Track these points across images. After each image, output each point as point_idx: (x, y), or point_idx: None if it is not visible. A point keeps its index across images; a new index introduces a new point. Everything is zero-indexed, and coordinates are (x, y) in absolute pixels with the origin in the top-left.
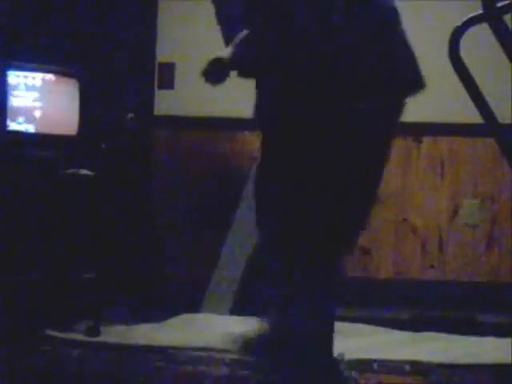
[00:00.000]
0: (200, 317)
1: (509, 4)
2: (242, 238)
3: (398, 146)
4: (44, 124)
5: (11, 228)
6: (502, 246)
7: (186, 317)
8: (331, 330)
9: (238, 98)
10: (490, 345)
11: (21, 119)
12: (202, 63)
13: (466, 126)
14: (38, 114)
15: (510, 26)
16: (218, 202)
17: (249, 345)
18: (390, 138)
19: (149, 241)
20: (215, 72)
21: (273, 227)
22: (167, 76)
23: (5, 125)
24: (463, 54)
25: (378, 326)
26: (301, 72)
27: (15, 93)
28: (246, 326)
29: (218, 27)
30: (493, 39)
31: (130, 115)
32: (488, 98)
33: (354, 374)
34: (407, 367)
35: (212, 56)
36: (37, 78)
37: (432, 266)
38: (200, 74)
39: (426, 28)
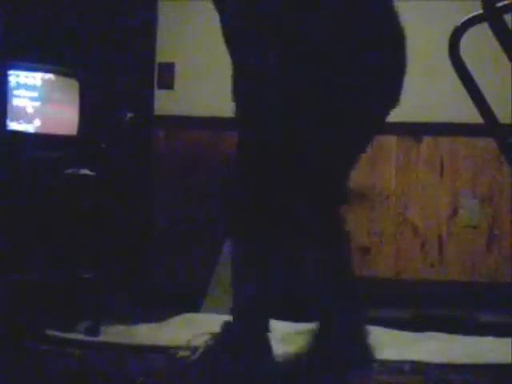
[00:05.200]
0: (200, 317)
1: (509, 4)
2: None
3: (398, 146)
4: (44, 124)
5: (11, 228)
6: (502, 246)
7: (186, 317)
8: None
9: None
10: (490, 345)
11: (21, 119)
12: (202, 63)
13: (466, 125)
14: (37, 113)
15: (510, 25)
16: (218, 202)
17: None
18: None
19: (149, 240)
20: None
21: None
22: (167, 76)
23: (5, 125)
24: (463, 54)
25: (378, 326)
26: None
27: (15, 93)
28: None
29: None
30: (493, 39)
31: (130, 115)
32: (488, 98)
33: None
34: (407, 367)
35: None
36: (37, 78)
37: (432, 266)
38: None
39: (426, 28)
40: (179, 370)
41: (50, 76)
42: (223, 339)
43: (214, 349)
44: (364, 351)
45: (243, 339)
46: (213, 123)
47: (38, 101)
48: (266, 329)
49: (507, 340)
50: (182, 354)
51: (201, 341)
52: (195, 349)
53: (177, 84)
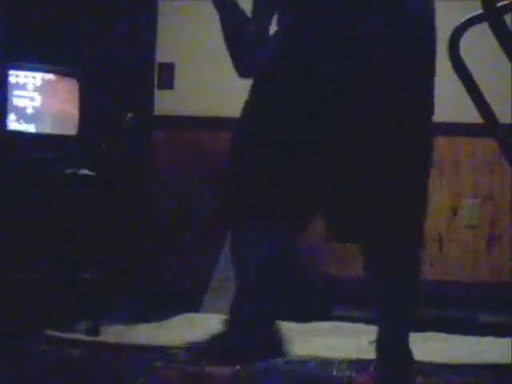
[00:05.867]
0: (200, 317)
1: (509, 4)
2: None
3: None
4: (44, 124)
5: (11, 228)
6: (502, 246)
7: (186, 317)
8: None
9: (238, 97)
10: (490, 345)
11: (21, 119)
12: (201, 63)
13: (466, 125)
14: (38, 113)
15: (510, 25)
16: (217, 202)
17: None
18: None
19: (149, 240)
20: None
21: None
22: (167, 76)
23: (5, 125)
24: (463, 54)
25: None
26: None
27: (15, 93)
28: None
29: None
30: (493, 39)
31: (130, 115)
32: (488, 98)
33: (353, 373)
34: None
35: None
36: (37, 78)
37: (432, 266)
38: None
39: None
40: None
41: (50, 76)
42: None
43: (215, 345)
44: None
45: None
46: (213, 123)
47: (38, 101)
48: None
49: (507, 340)
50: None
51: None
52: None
53: (177, 84)
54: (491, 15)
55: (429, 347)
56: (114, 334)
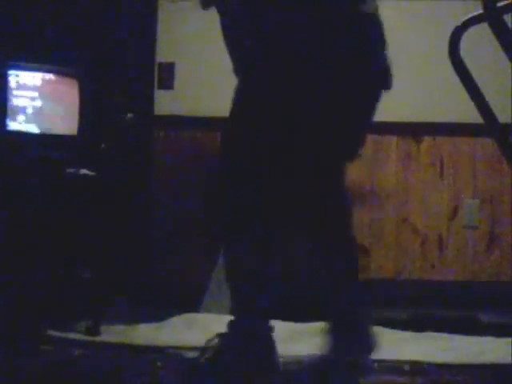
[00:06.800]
0: (200, 317)
1: (509, 4)
2: None
3: (398, 146)
4: (44, 124)
5: (11, 228)
6: (502, 246)
7: (186, 317)
8: None
9: None
10: (490, 345)
11: (21, 119)
12: (202, 63)
13: (466, 125)
14: (38, 113)
15: (510, 25)
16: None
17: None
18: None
19: (149, 240)
20: None
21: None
22: (167, 76)
23: (5, 125)
24: (463, 53)
25: (378, 326)
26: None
27: (15, 93)
28: None
29: (220, 29)
30: (493, 39)
31: (130, 115)
32: (488, 98)
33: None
34: (407, 367)
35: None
36: (37, 78)
37: (432, 266)
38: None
39: (426, 28)
40: (188, 371)
41: (50, 76)
42: (229, 340)
43: (221, 350)
44: (367, 352)
45: (247, 340)
46: (213, 123)
47: (38, 101)
48: (269, 328)
49: (507, 340)
50: (190, 355)
51: (210, 342)
52: (204, 350)
53: (177, 84)
54: (491, 15)
55: (429, 347)
56: (114, 333)
